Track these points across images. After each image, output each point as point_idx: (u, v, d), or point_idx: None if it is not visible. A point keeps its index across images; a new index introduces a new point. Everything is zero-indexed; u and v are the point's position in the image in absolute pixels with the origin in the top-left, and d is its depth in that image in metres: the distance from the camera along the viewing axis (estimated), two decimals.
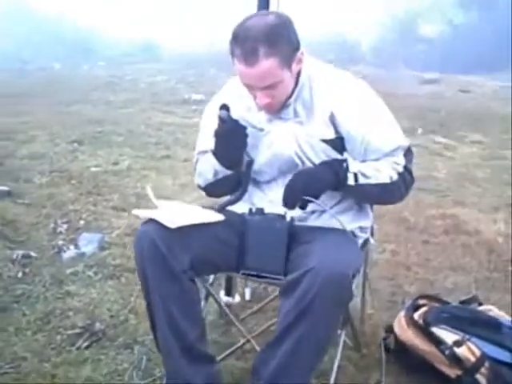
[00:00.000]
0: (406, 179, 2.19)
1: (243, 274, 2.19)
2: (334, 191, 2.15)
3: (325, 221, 2.22)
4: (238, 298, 2.85)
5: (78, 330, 2.74)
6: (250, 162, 2.22)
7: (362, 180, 2.12)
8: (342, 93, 2.13)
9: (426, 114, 8.50)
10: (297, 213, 2.15)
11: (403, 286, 3.24)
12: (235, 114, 2.15)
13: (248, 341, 2.41)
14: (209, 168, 2.25)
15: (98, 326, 2.77)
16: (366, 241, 2.36)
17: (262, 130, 2.20)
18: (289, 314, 1.89)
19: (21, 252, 3.43)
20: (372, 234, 2.44)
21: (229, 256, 2.16)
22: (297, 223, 2.19)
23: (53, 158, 5.55)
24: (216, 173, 2.24)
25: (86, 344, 2.65)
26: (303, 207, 2.11)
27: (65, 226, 3.92)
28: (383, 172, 2.14)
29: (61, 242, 3.64)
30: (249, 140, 2.17)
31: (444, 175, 5.63)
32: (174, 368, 2.07)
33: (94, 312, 2.89)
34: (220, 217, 2.14)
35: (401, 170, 2.17)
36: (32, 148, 5.85)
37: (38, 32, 14.69)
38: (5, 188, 4.39)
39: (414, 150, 2.27)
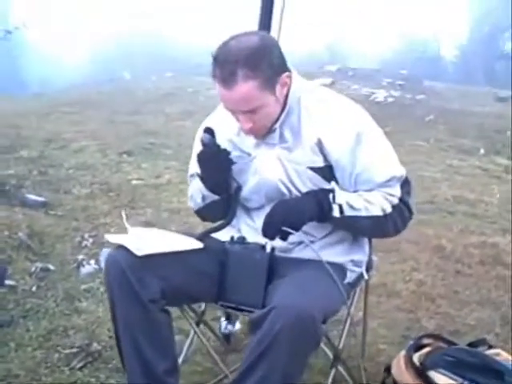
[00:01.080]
0: (402, 212, 2.05)
1: (222, 305, 2.10)
2: (320, 222, 2.04)
3: (311, 253, 2.10)
4: (238, 325, 2.75)
5: (75, 350, 2.71)
6: (238, 188, 2.14)
7: (349, 212, 1.99)
8: (331, 118, 2.02)
9: (491, 134, 8.16)
10: (280, 243, 2.04)
11: (421, 319, 3.07)
12: (223, 137, 2.08)
13: (226, 376, 2.31)
14: (197, 192, 2.19)
15: (95, 346, 2.74)
16: (360, 276, 2.22)
17: (249, 154, 2.11)
18: (251, 353, 1.79)
19: (40, 265, 3.46)
20: (369, 269, 2.29)
21: (206, 286, 2.08)
22: (280, 254, 2.09)
23: (99, 169, 5.62)
24: (204, 197, 2.18)
25: (80, 365, 2.62)
26: (284, 238, 2.00)
27: (91, 239, 3.93)
28: (375, 204, 2.01)
29: (81, 257, 3.64)
30: (237, 165, 2.09)
31: (496, 200, 5.36)
32: None
33: (95, 332, 2.86)
34: (198, 244, 2.06)
35: (395, 202, 2.04)
36: (81, 158, 5.96)
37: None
38: (41, 199, 4.47)
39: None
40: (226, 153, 2.06)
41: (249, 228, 2.16)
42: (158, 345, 1.97)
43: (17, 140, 6.45)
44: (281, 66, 1.95)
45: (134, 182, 5.29)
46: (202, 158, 2.06)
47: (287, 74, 1.96)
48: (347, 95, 2.18)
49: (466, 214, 4.86)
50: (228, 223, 2.16)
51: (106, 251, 3.67)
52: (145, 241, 1.99)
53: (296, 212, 1.97)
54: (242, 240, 2.08)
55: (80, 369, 2.60)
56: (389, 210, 2.02)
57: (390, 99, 9.02)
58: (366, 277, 2.23)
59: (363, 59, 12.43)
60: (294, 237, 2.04)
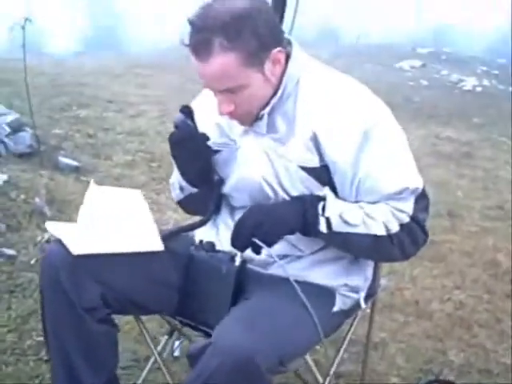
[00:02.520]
0: (412, 233, 1.64)
1: (180, 321, 1.77)
2: (306, 236, 1.66)
3: (297, 270, 1.72)
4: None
5: None
6: (219, 182, 1.78)
7: (341, 227, 1.60)
8: (332, 108, 1.62)
9: None
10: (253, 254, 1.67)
11: (449, 351, 2.61)
12: (210, 119, 1.73)
13: None
14: (176, 182, 1.86)
15: None
16: (355, 305, 1.82)
17: (234, 142, 1.74)
18: None
19: (47, 236, 3.21)
20: (370, 295, 1.89)
21: (163, 296, 1.75)
22: (254, 268, 1.72)
23: (149, 136, 5.36)
24: (182, 188, 1.85)
25: (47, 357, 2.35)
26: (256, 251, 1.63)
27: None
28: (377, 220, 1.61)
29: None
30: (222, 154, 1.75)
31: None
32: None
33: None
34: (157, 246, 1.72)
35: (406, 220, 1.62)
36: (136, 123, 5.71)
37: None
38: (74, 163, 4.24)
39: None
40: (203, 138, 1.70)
41: (227, 230, 1.78)
42: (92, 360, 1.66)
43: (78, 99, 6.28)
44: (272, 38, 1.57)
45: None
46: (173, 143, 1.72)
47: (279, 49, 1.57)
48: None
49: None
50: (205, 222, 1.82)
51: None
52: (91, 234, 1.66)
53: (273, 221, 1.60)
54: (210, 246, 1.73)
55: (46, 361, 2.33)
56: (395, 229, 1.62)
57: (479, 88, 8.30)
58: (362, 305, 1.82)
59: (468, 43, 11.51)
60: (277, 248, 1.68)
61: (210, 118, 1.73)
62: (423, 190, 1.66)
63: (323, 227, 1.59)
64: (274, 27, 1.58)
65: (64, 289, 1.61)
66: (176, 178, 1.85)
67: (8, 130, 4.14)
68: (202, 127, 1.74)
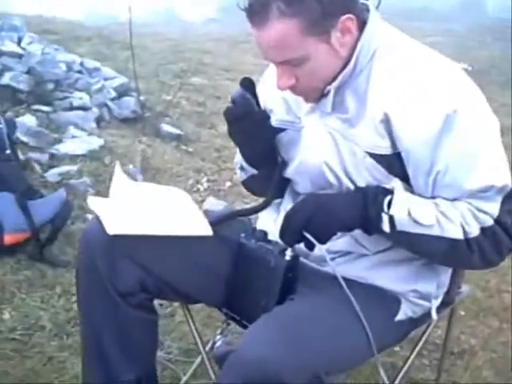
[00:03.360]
0: (496, 238, 1.37)
1: (225, 313, 1.61)
2: (367, 234, 1.44)
3: (359, 270, 1.52)
4: None
5: None
6: (283, 164, 1.59)
7: (408, 227, 1.37)
8: (411, 87, 1.37)
9: None
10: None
11: None
12: (276, 94, 1.53)
13: None
14: (238, 161, 1.70)
15: None
16: (427, 314, 1.58)
17: (299, 120, 1.55)
18: None
19: None
20: (446, 304, 1.65)
21: (207, 285, 1.59)
22: (309, 263, 1.53)
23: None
24: (243, 168, 1.68)
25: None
26: (309, 247, 1.43)
27: (206, 184, 3.57)
28: (454, 221, 1.36)
29: None
30: (287, 133, 1.55)
31: None
32: None
33: None
34: (205, 231, 1.56)
35: (488, 223, 1.36)
36: None
37: None
38: (176, 131, 4.18)
39: None
40: (263, 115, 1.52)
41: None
42: (126, 349, 1.54)
43: (196, 66, 6.26)
44: (340, 3, 1.35)
45: None
46: (229, 119, 1.54)
47: (349, 15, 1.35)
48: None
49: None
50: (262, 208, 1.64)
51: (210, 200, 3.31)
52: (131, 213, 1.53)
53: (326, 215, 1.39)
54: (261, 235, 1.55)
55: None
56: (475, 232, 1.37)
57: None
58: (433, 316, 1.58)
59: None
60: (339, 244, 1.49)
61: (276, 92, 1.53)
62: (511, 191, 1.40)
63: (386, 226, 1.37)
64: None
65: (98, 270, 1.49)
66: (238, 156, 1.69)
67: (114, 94, 4.14)
68: (267, 102, 1.56)
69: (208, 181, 3.61)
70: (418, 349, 1.72)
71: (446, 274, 1.59)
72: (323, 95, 1.45)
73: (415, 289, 1.53)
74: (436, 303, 1.58)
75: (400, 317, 1.53)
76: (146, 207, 1.53)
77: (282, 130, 1.56)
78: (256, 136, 1.53)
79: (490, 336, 2.44)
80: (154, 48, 6.78)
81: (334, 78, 1.42)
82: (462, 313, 2.57)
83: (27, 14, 6.95)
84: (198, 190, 3.49)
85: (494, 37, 8.78)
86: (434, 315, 1.57)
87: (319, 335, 1.32)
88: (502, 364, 2.29)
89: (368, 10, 1.44)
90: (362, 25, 1.41)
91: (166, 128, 4.13)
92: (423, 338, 1.71)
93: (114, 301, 1.50)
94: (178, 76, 5.68)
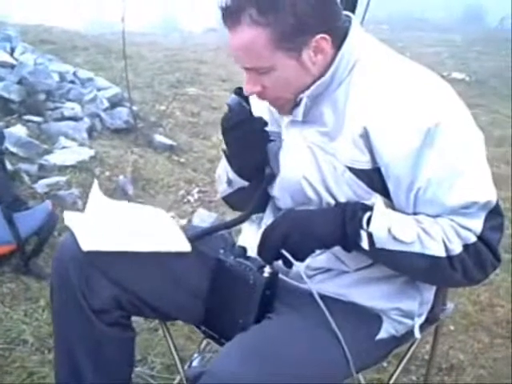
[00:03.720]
0: (479, 255, 1.34)
1: (204, 331, 1.57)
2: (346, 251, 1.41)
3: (340, 287, 1.48)
4: None
5: None
6: (270, 176, 1.54)
7: (388, 244, 1.33)
8: (388, 99, 1.34)
9: None
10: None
11: None
12: (263, 103, 1.49)
13: None
14: (223, 174, 1.65)
15: None
16: (410, 332, 1.54)
17: (280, 133, 1.52)
18: None
19: None
20: (432, 321, 1.61)
21: (185, 302, 1.55)
22: (288, 281, 1.50)
23: None
24: (230, 181, 1.63)
25: None
26: (288, 265, 1.40)
27: (197, 195, 3.54)
28: (436, 238, 1.33)
29: (171, 214, 3.26)
30: (274, 144, 1.51)
31: None
32: None
33: None
34: (182, 247, 1.53)
35: (472, 239, 1.33)
36: None
37: None
38: (169, 141, 4.15)
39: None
40: (261, 122, 1.48)
41: None
42: (100, 367, 1.51)
43: (192, 76, 6.24)
44: (316, 21, 1.32)
45: None
46: (226, 127, 1.50)
47: (323, 35, 1.32)
48: None
49: None
50: (242, 221, 1.61)
51: (201, 212, 3.27)
52: (107, 228, 1.50)
53: (303, 233, 1.36)
54: (240, 251, 1.52)
55: None
56: (457, 249, 1.33)
57: None
58: (417, 335, 1.54)
59: None
60: (319, 260, 1.46)
61: (263, 101, 1.50)
62: (496, 205, 1.36)
63: (365, 243, 1.34)
64: (324, 7, 1.33)
65: (72, 287, 1.46)
66: (223, 169, 1.64)
67: (107, 104, 4.12)
68: (255, 111, 1.52)
69: (199, 192, 3.58)
70: (402, 366, 1.69)
71: (429, 291, 1.55)
72: (296, 104, 1.42)
73: (398, 307, 1.49)
74: (419, 321, 1.54)
75: (382, 335, 1.49)
76: (122, 223, 1.51)
77: (270, 140, 1.53)
78: (252, 144, 1.49)
79: (479, 351, 2.40)
80: (151, 58, 6.77)
81: (308, 87, 1.39)
82: (452, 327, 2.53)
83: (27, 24, 6.96)
84: (189, 201, 3.46)
85: (494, 48, 8.75)
86: (417, 334, 1.53)
87: (295, 355, 1.28)
88: (490, 381, 2.25)
89: (350, 23, 1.41)
90: (342, 38, 1.38)
91: (159, 138, 4.11)
92: (407, 355, 1.67)
93: (88, 318, 1.47)
94: (173, 86, 5.67)
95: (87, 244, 1.44)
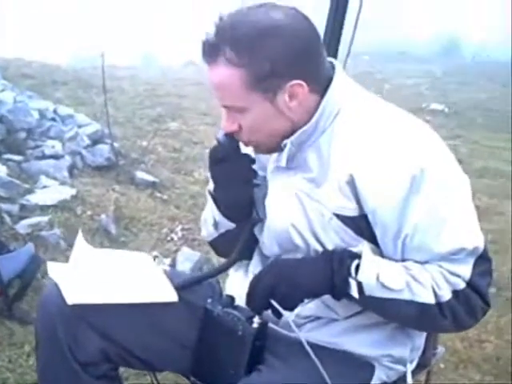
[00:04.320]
0: (468, 301, 1.33)
1: (192, 382, 1.54)
2: (335, 300, 1.39)
3: (330, 336, 1.46)
4: None
5: None
6: (255, 221, 1.53)
7: (376, 292, 1.32)
8: (373, 146, 1.34)
9: None
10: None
11: None
12: (247, 148, 1.48)
13: None
14: (210, 216, 1.62)
15: None
16: (402, 378, 1.53)
17: (265, 178, 1.51)
18: None
19: None
20: (424, 366, 1.59)
21: (173, 353, 1.53)
22: (279, 330, 1.47)
23: None
24: (216, 224, 1.60)
25: None
26: (276, 314, 1.38)
27: (180, 233, 3.51)
28: (425, 285, 1.32)
29: (156, 253, 3.22)
30: (261, 188, 1.49)
31: None
32: None
33: None
34: (169, 297, 1.50)
35: (461, 285, 1.32)
36: None
37: None
38: (151, 178, 4.13)
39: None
40: (249, 158, 1.47)
41: None
42: None
43: (173, 110, 6.24)
44: (292, 68, 1.31)
45: None
46: (213, 160, 1.47)
47: (298, 82, 1.32)
48: None
49: None
50: (228, 267, 1.59)
51: (185, 251, 3.24)
52: (93, 280, 1.47)
53: (292, 282, 1.35)
54: (228, 301, 1.49)
55: None
56: (446, 296, 1.32)
57: None
58: (409, 381, 1.53)
59: None
60: (308, 309, 1.44)
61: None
62: (484, 251, 1.36)
63: (354, 291, 1.32)
64: (302, 55, 1.33)
65: (59, 340, 1.43)
66: (209, 212, 1.61)
67: (87, 141, 4.10)
68: (242, 149, 1.50)
69: (182, 229, 3.55)
70: None
71: (420, 337, 1.54)
72: (281, 149, 1.41)
73: (389, 353, 1.48)
74: (411, 367, 1.53)
75: (374, 382, 1.47)
76: (107, 274, 1.48)
77: (257, 184, 1.51)
78: (239, 178, 1.47)
79: None
80: (132, 92, 6.78)
81: (292, 133, 1.38)
82: (442, 365, 2.51)
83: (7, 57, 6.93)
84: (172, 239, 3.43)
85: (472, 79, 8.88)
86: (410, 379, 1.52)
87: None
88: None
89: (334, 70, 1.41)
90: (326, 85, 1.38)
91: (141, 175, 4.08)
92: None
93: (75, 372, 1.44)
94: (154, 121, 5.66)
95: (73, 297, 1.41)
